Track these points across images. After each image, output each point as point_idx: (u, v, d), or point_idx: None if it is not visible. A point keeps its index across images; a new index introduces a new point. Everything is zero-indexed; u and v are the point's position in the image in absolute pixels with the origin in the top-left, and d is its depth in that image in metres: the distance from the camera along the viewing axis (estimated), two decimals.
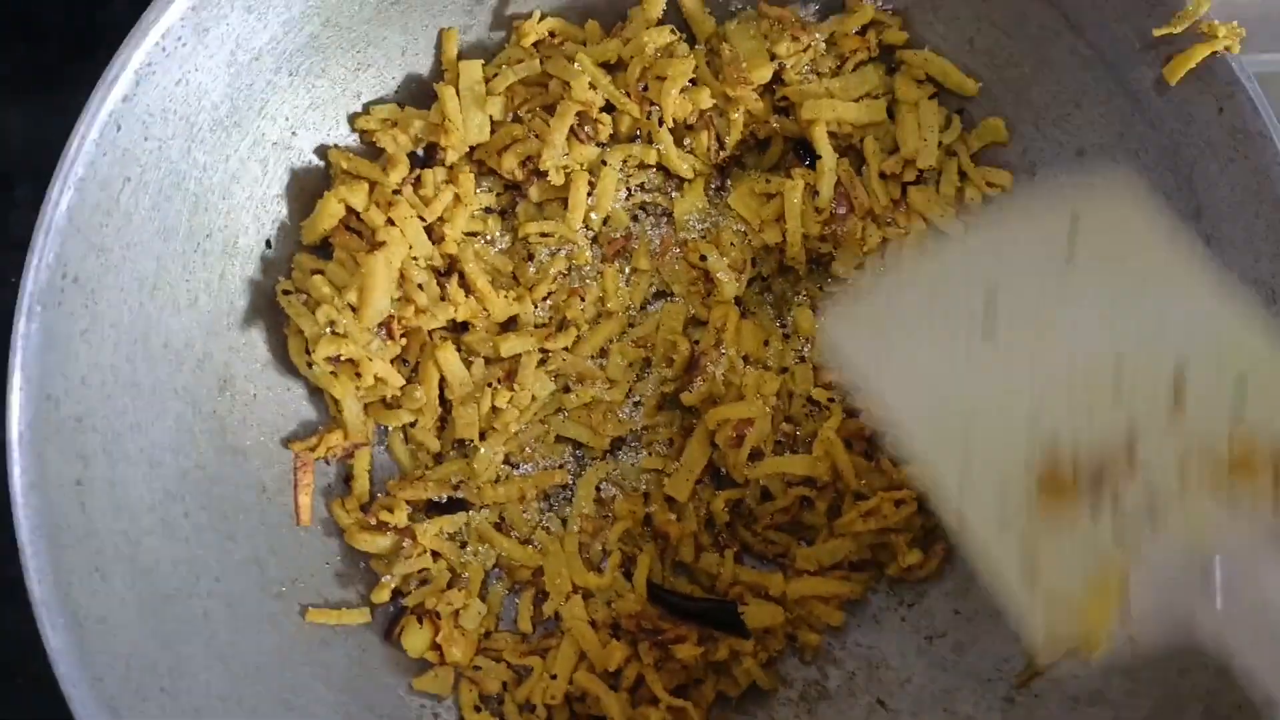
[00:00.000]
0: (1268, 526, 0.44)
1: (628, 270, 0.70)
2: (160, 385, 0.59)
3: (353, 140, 0.67)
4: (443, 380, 0.67)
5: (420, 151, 0.68)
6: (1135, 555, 0.44)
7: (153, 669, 0.54)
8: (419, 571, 0.67)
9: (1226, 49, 0.57)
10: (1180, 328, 0.48)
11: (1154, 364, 0.47)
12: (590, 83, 0.66)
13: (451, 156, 0.66)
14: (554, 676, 0.65)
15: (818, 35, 0.67)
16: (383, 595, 0.66)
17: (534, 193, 0.68)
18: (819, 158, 0.68)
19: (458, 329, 0.68)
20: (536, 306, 0.69)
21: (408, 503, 0.67)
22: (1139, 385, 0.47)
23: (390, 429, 0.69)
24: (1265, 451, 0.45)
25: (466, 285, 0.67)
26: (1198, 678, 0.57)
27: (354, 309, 0.63)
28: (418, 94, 0.68)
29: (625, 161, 0.68)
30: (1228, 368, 0.46)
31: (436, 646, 0.66)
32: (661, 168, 0.69)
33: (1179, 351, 0.47)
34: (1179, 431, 0.46)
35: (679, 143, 0.69)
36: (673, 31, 0.67)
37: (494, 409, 0.67)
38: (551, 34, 0.67)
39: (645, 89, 0.67)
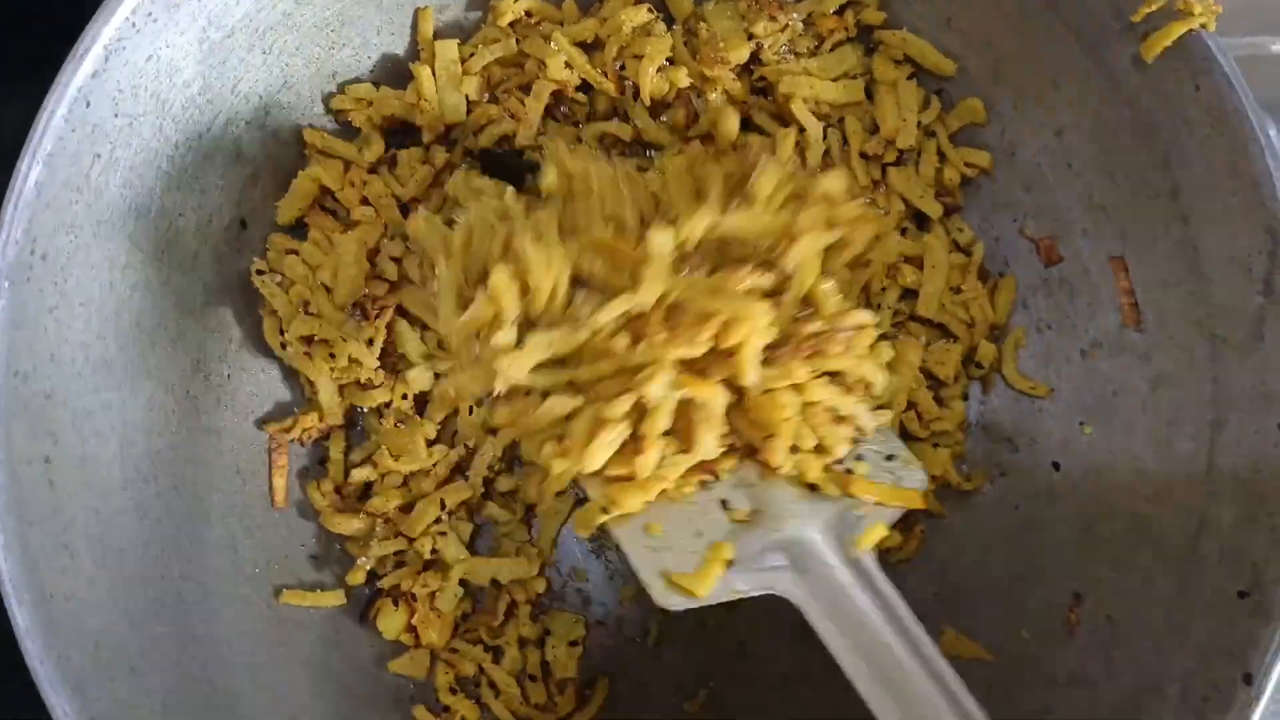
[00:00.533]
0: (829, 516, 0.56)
1: None
2: (132, 365, 0.58)
3: (328, 121, 0.67)
4: None
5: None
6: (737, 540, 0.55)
7: (122, 648, 0.54)
8: (394, 554, 0.66)
9: (1202, 26, 0.57)
10: None
11: None
12: (566, 62, 0.65)
13: (427, 136, 0.66)
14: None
15: (795, 15, 0.67)
16: (358, 577, 0.66)
17: None
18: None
19: None
20: None
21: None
22: None
23: (366, 410, 0.68)
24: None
25: None
26: (1175, 658, 0.57)
27: (328, 289, 0.63)
28: (393, 74, 0.67)
29: (602, 139, 0.68)
30: None
31: (412, 629, 0.65)
32: (637, 143, 0.69)
33: None
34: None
35: (655, 118, 0.68)
36: (650, 10, 0.67)
37: None
38: (528, 13, 0.67)
39: (622, 68, 0.67)
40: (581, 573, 0.71)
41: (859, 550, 0.55)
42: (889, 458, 0.59)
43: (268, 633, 0.62)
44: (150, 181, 0.58)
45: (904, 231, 0.69)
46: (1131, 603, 0.60)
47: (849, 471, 0.58)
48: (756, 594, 0.55)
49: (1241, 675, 0.54)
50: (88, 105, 0.53)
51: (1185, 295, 0.61)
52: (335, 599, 0.65)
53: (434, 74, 0.65)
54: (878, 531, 0.56)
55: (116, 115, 0.55)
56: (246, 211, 0.64)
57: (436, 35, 0.67)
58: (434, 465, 0.67)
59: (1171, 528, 0.60)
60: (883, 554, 0.67)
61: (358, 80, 0.67)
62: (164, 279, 0.60)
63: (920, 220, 0.69)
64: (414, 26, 0.67)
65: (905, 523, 0.69)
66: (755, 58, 0.67)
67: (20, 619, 0.50)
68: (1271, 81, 0.78)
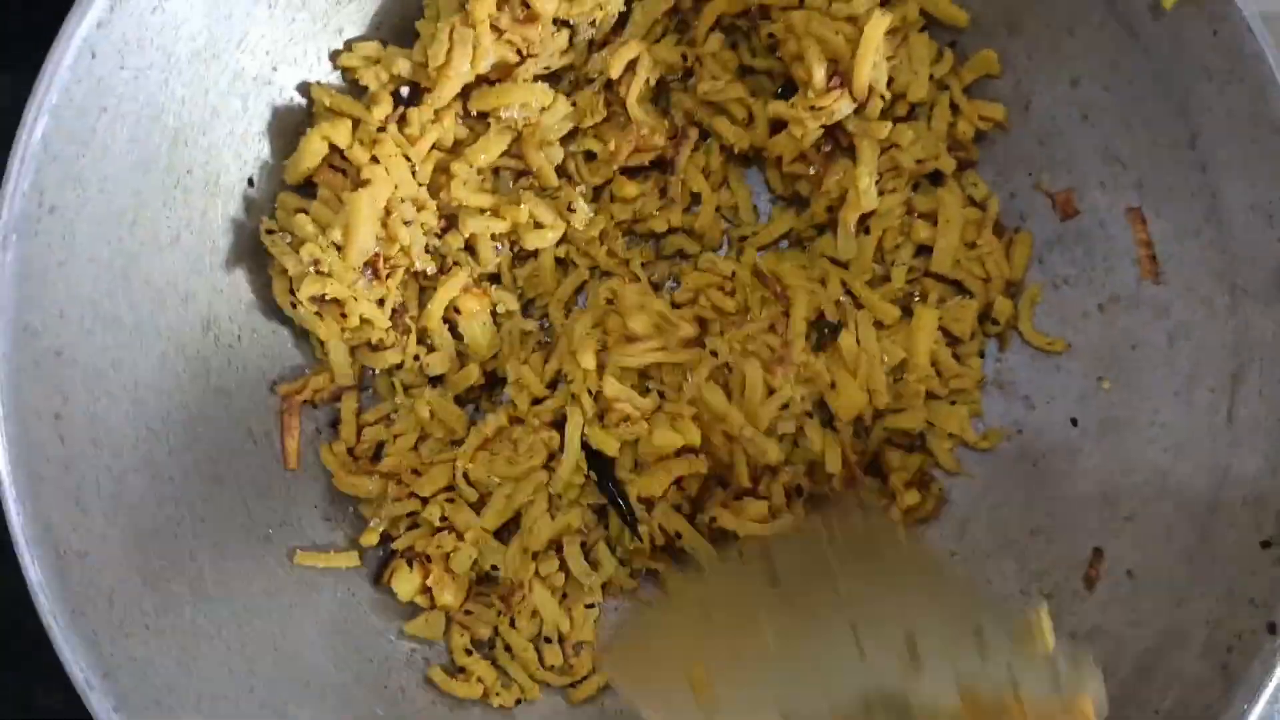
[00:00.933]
0: None
1: None
2: (143, 323, 0.58)
3: (335, 78, 0.66)
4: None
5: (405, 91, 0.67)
6: None
7: (137, 605, 0.53)
8: (408, 515, 0.66)
9: None
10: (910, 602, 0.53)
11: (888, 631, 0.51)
12: None
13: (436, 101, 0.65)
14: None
15: None
16: (371, 538, 0.65)
17: None
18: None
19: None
20: None
21: None
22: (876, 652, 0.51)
23: (377, 372, 0.68)
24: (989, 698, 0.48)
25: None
26: (1197, 606, 0.56)
27: (338, 248, 0.62)
28: (400, 31, 0.66)
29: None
30: (958, 623, 0.51)
31: (427, 590, 0.65)
32: None
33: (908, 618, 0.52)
34: (913, 689, 0.50)
35: None
36: None
37: None
38: None
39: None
40: None
41: None
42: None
43: (282, 594, 0.61)
44: (156, 137, 0.57)
45: (916, 186, 0.69)
46: (1153, 556, 0.60)
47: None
48: None
49: (1266, 624, 0.54)
50: (93, 56, 0.52)
51: (1204, 245, 0.60)
52: (349, 560, 0.65)
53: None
54: None
55: (122, 68, 0.54)
56: (255, 169, 0.64)
57: None
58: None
59: (1193, 479, 0.59)
60: (904, 515, 0.67)
61: (364, 38, 0.66)
62: (173, 236, 0.59)
63: (934, 175, 0.69)
64: None
65: (924, 482, 0.68)
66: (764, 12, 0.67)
67: (33, 574, 0.50)
68: None
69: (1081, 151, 0.65)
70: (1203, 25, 0.58)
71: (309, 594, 0.63)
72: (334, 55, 0.65)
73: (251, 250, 0.64)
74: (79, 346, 0.54)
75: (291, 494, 0.65)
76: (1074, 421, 0.66)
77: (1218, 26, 0.57)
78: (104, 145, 0.54)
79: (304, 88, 0.65)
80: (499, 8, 0.62)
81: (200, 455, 0.60)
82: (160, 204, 0.58)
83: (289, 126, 0.64)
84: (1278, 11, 0.84)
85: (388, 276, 0.64)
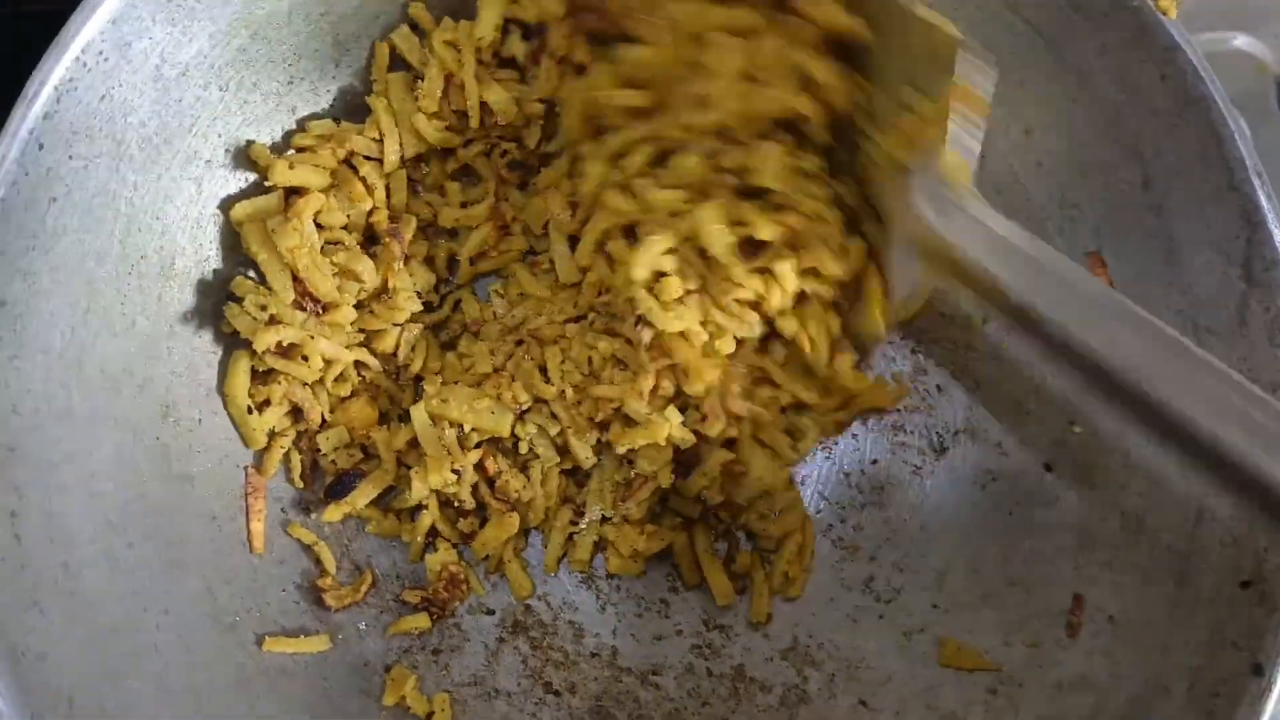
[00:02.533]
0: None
1: None
2: (97, 413, 0.57)
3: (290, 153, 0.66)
4: None
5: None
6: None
7: (100, 707, 0.52)
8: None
9: (1163, 12, 0.57)
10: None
11: None
12: None
13: (388, 168, 0.65)
14: None
15: None
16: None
17: None
18: None
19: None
20: None
21: None
22: None
23: None
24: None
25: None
26: (1181, 654, 0.56)
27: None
28: (353, 107, 0.67)
29: None
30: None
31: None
32: None
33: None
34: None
35: None
36: None
37: None
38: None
39: None
40: (571, 605, 0.69)
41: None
42: None
43: (253, 683, 0.60)
44: (109, 224, 0.57)
45: None
46: (1132, 602, 0.59)
47: None
48: None
49: (1250, 666, 0.53)
50: (40, 148, 0.52)
51: (1165, 286, 0.61)
52: (320, 644, 0.63)
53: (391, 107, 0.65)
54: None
55: (71, 157, 0.54)
56: (211, 251, 0.63)
57: (392, 68, 0.66)
58: None
59: (1168, 522, 0.59)
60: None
61: (317, 116, 0.66)
62: (128, 324, 0.59)
63: None
64: (370, 58, 0.66)
65: None
66: None
67: None
68: (1233, 76, 0.78)
69: (1038, 198, 0.65)
70: (1151, 69, 0.59)
71: (281, 681, 0.61)
72: (288, 134, 0.65)
73: (211, 331, 0.63)
74: (31, 441, 0.53)
75: (258, 578, 0.63)
76: (1048, 467, 0.66)
77: (1165, 70, 0.58)
78: (54, 235, 0.54)
79: (256, 168, 0.64)
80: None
81: (162, 544, 0.59)
82: (114, 291, 0.58)
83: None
84: (1221, 50, 0.86)
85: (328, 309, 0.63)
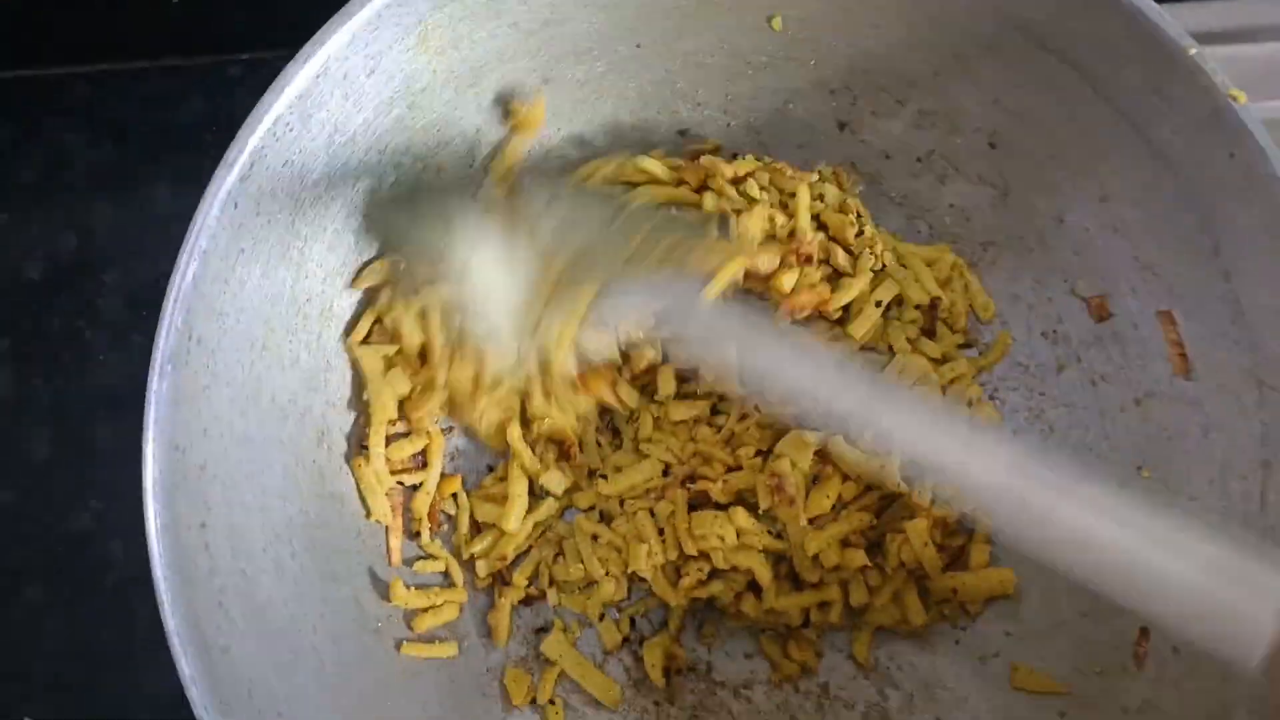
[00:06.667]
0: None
1: None
2: (268, 437, 0.64)
3: None
4: None
5: None
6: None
7: (272, 696, 0.59)
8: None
9: (1233, 98, 0.62)
10: None
11: None
12: None
13: None
14: None
15: None
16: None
17: None
18: None
19: None
20: None
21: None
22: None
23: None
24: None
25: None
26: (1241, 684, 0.60)
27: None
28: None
29: None
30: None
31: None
32: None
33: None
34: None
35: None
36: None
37: None
38: None
39: None
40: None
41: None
42: None
43: (391, 683, 0.67)
44: (283, 272, 0.64)
45: None
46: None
47: None
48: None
49: None
50: (235, 206, 0.59)
51: (1231, 345, 0.65)
52: (448, 650, 0.70)
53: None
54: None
55: (258, 214, 0.61)
56: (360, 294, 0.71)
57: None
58: None
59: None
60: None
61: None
62: (294, 358, 0.66)
63: None
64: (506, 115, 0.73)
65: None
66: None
67: (186, 668, 0.55)
68: None
69: (1113, 260, 0.71)
70: (1220, 148, 0.63)
71: (413, 683, 0.68)
72: None
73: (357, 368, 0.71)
74: (219, 462, 0.60)
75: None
76: None
77: (1234, 150, 0.63)
78: (241, 281, 0.61)
79: None
80: None
81: (318, 556, 0.66)
82: (284, 330, 0.65)
83: None
84: (1277, 118, 0.90)
85: None
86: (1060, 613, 0.71)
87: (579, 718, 0.72)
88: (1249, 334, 0.65)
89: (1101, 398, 0.73)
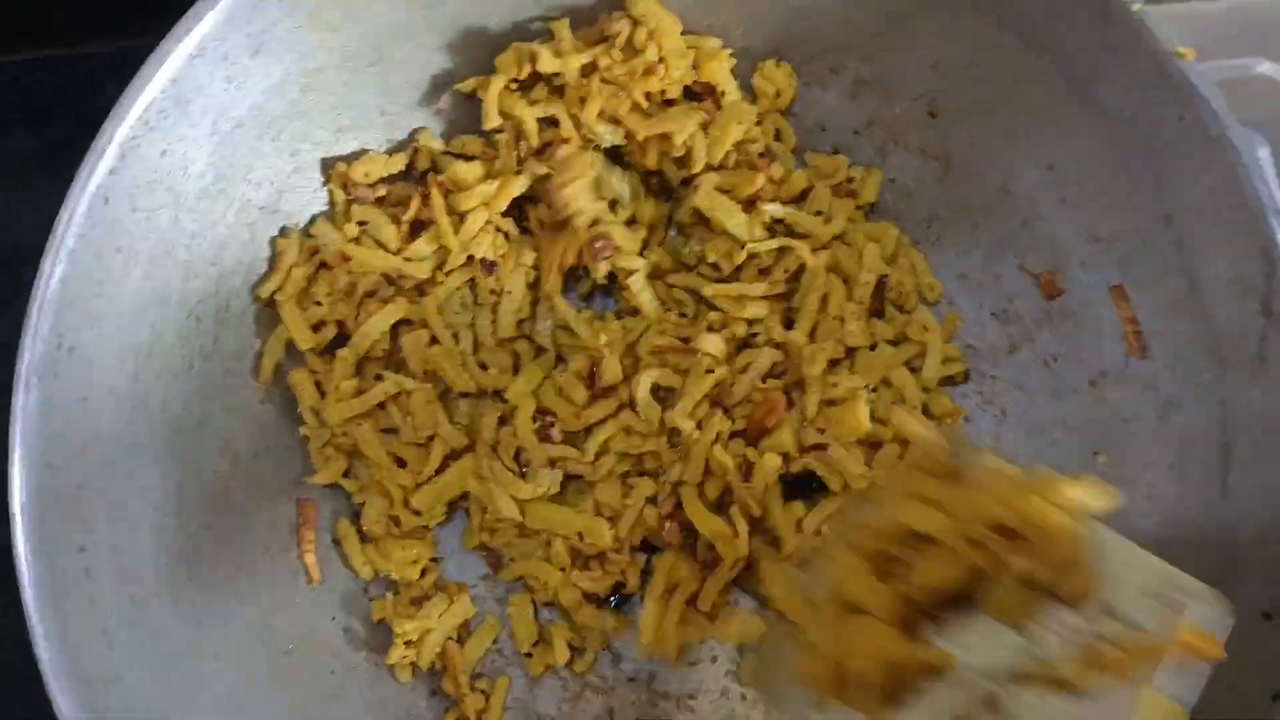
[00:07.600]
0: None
1: None
2: (160, 450, 0.60)
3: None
4: None
5: None
6: None
7: None
8: None
9: (1181, 56, 0.58)
10: None
11: None
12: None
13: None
14: None
15: None
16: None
17: None
18: None
19: None
20: None
21: None
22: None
23: None
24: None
25: None
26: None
27: None
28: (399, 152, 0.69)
29: None
30: None
31: None
32: None
33: None
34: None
35: None
36: None
37: None
38: None
39: None
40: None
41: None
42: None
43: (309, 708, 0.63)
44: (169, 271, 0.60)
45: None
46: None
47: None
48: None
49: (1271, 694, 0.54)
50: (106, 202, 0.55)
51: (1188, 321, 0.62)
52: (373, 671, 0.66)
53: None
54: None
55: (134, 210, 0.57)
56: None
57: None
58: None
59: (1190, 552, 0.60)
60: None
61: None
62: (187, 365, 0.62)
63: None
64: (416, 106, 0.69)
65: None
66: None
67: (63, 705, 0.51)
68: (1256, 102, 0.79)
69: (1062, 232, 0.67)
70: (1170, 109, 0.60)
71: (334, 705, 0.64)
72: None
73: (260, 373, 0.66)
74: (100, 478, 0.56)
75: (313, 608, 0.66)
76: None
77: (1184, 111, 0.59)
78: (119, 284, 0.57)
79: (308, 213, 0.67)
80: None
81: (220, 575, 0.62)
82: (174, 334, 0.61)
83: None
84: (1244, 77, 0.87)
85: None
86: None
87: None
88: (1204, 308, 0.61)
89: (1055, 379, 0.69)
